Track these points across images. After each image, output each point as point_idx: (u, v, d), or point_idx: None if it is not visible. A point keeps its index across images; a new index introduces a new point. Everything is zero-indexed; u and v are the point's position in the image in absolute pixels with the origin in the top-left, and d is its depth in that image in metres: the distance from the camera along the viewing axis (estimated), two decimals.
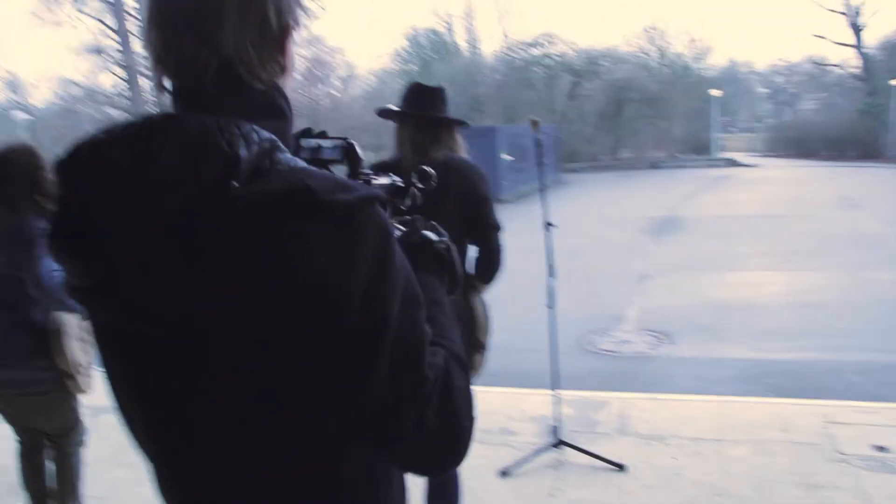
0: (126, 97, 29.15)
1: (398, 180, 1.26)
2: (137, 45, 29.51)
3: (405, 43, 47.76)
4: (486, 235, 2.56)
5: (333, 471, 0.92)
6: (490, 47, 47.67)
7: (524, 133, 22.75)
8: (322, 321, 0.81)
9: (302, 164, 0.87)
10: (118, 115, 30.15)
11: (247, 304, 0.81)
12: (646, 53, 39.02)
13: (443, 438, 0.89)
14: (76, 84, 29.86)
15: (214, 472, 0.92)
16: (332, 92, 38.61)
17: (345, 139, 1.14)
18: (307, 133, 1.11)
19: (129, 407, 0.95)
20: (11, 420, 2.85)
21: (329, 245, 0.80)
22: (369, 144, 37.30)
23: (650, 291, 8.48)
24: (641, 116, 35.47)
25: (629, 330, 6.88)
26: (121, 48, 28.75)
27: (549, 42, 37.59)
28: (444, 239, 1.15)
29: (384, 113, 2.59)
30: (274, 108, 0.92)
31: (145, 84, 29.53)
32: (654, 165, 32.02)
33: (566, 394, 4.14)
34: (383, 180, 1.23)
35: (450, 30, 46.41)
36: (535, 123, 3.82)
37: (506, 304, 7.41)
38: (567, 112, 36.30)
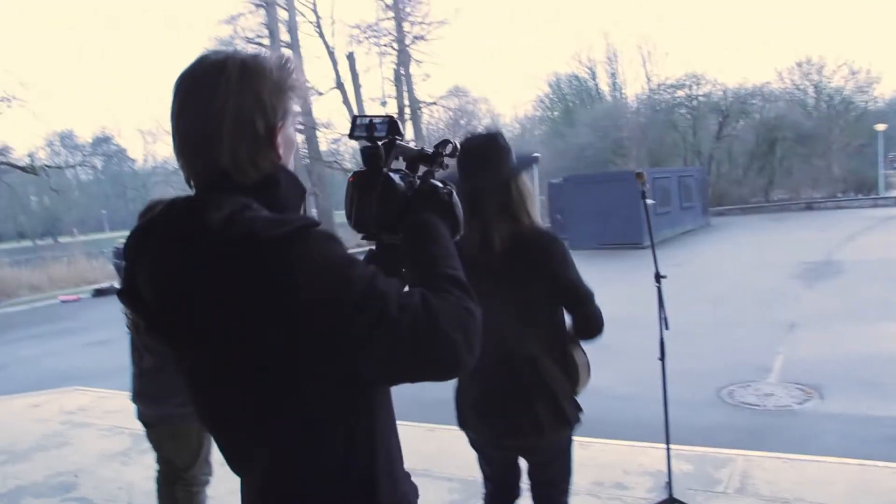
0: None
1: (426, 148, 1.44)
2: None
3: (547, 89, 48.10)
4: (577, 307, 2.31)
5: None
6: (633, 90, 46.95)
7: (668, 176, 22.25)
8: (292, 321, 1.07)
9: (264, 213, 1.13)
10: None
11: (229, 315, 1.09)
12: (800, 89, 37.03)
13: (432, 348, 1.10)
14: None
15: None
16: None
17: (389, 116, 1.35)
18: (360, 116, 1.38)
19: (196, 401, 1.27)
20: (156, 449, 3.18)
21: (276, 266, 1.06)
22: None
23: (800, 341, 7.94)
24: (796, 155, 33.60)
25: (774, 382, 6.49)
26: None
27: (695, 82, 36.64)
28: (450, 188, 1.36)
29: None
30: (264, 184, 1.20)
31: (300, 138, 31.56)
32: (811, 206, 30.03)
33: (687, 449, 3.97)
34: (412, 145, 1.42)
35: (592, 74, 46.29)
36: (639, 176, 3.73)
37: (635, 352, 7.32)
38: (714, 153, 35.09)
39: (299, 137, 31.30)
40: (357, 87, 33.55)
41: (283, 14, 30.77)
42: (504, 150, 2.24)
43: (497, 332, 2.03)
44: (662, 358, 3.76)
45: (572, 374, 2.36)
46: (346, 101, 33.45)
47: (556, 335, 2.33)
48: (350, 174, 1.34)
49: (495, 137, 2.26)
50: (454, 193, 1.36)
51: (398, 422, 1.32)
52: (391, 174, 1.35)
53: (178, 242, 1.14)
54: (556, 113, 47.43)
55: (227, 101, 1.16)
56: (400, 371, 1.13)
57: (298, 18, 31.65)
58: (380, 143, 1.35)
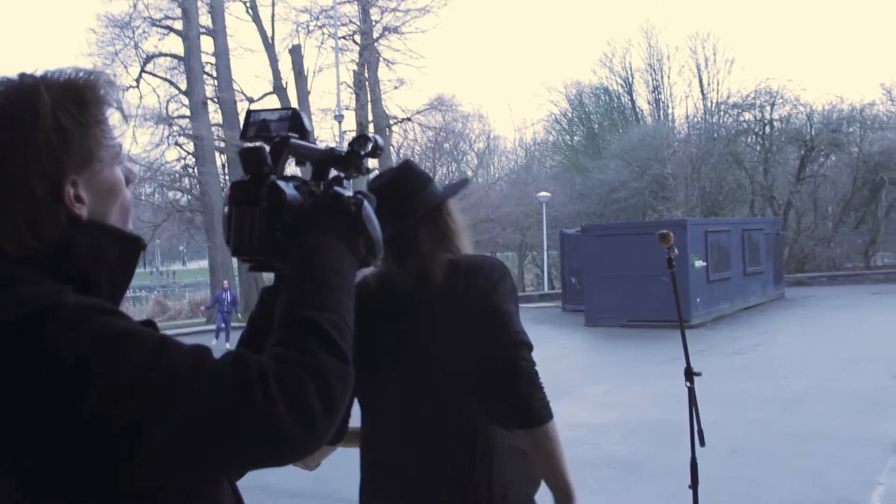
0: (193, 176, 31.29)
1: (339, 148, 1.56)
2: (212, 112, 31.94)
3: (565, 105, 48.89)
4: (514, 352, 2.38)
5: None
6: (683, 109, 47.86)
7: (728, 229, 22.41)
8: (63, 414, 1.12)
9: (27, 288, 1.20)
10: (181, 199, 32.36)
11: None
12: None
13: (241, 427, 1.17)
14: (133, 159, 32.38)
15: None
16: (467, 171, 39.77)
17: (290, 109, 1.47)
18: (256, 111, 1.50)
19: None
20: None
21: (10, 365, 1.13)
22: (511, 243, 38.02)
23: None
24: None
25: None
26: (190, 116, 31.13)
27: (769, 102, 37.35)
28: (362, 197, 1.45)
29: None
30: (54, 255, 1.24)
31: (219, 160, 31.73)
32: None
33: None
34: (321, 145, 1.55)
35: (628, 87, 47.13)
36: (664, 238, 3.79)
37: (670, 473, 7.17)
38: (794, 199, 35.62)
39: (218, 159, 31.38)
40: (303, 92, 33.85)
41: None
42: (422, 176, 2.53)
43: (434, 392, 2.33)
44: (694, 486, 3.82)
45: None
46: None
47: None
48: (227, 186, 1.30)
49: (407, 165, 2.55)
50: (366, 205, 1.45)
51: None
52: (280, 182, 1.41)
53: None
54: (576, 138, 48.21)
55: None
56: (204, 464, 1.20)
57: None
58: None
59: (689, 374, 3.78)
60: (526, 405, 2.29)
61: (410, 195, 2.45)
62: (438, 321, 2.37)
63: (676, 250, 3.87)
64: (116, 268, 1.31)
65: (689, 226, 19.90)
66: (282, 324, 1.30)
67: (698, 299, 18.98)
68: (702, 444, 3.79)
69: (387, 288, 2.40)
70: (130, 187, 1.39)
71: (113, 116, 1.33)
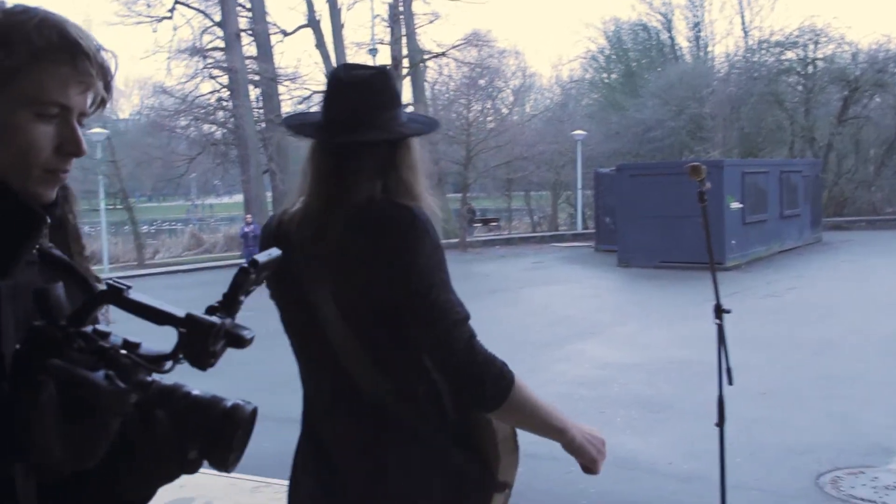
0: (227, 109, 31.27)
1: (203, 317, 1.14)
2: (246, 45, 31.79)
3: (603, 42, 48.25)
4: (443, 333, 2.00)
5: None
6: (724, 48, 47.04)
7: (766, 171, 22.12)
8: None
9: None
10: (216, 132, 32.39)
11: None
12: None
13: None
14: (168, 92, 32.43)
15: None
16: (501, 109, 39.46)
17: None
18: None
19: None
20: None
21: None
22: (545, 181, 37.81)
23: None
24: None
25: None
26: (224, 48, 31.00)
27: (812, 40, 36.59)
28: (198, 397, 1.15)
29: (294, 128, 2.25)
30: None
31: (253, 93, 31.66)
32: None
33: None
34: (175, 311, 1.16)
35: (667, 24, 46.39)
36: (695, 171, 3.70)
37: (699, 413, 7.17)
38: (835, 142, 35.06)
39: (253, 92, 31.32)
40: (337, 26, 33.62)
41: None
42: (394, 94, 2.17)
43: (334, 360, 2.03)
44: (721, 423, 3.80)
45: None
46: (320, 45, 33.58)
47: (417, 373, 2.09)
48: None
49: (385, 74, 2.18)
50: (198, 401, 1.16)
51: None
52: (60, 367, 1.09)
53: None
54: (613, 76, 47.66)
55: None
56: None
57: None
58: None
59: (719, 311, 3.72)
60: (475, 394, 2.00)
61: (374, 109, 2.10)
62: (338, 288, 2.04)
63: (709, 184, 3.78)
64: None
65: (725, 166, 19.68)
66: None
67: (733, 241, 18.81)
68: (730, 382, 3.75)
69: (285, 231, 2.10)
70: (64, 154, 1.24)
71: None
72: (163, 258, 31.70)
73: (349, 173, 2.08)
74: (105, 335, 1.12)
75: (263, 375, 8.47)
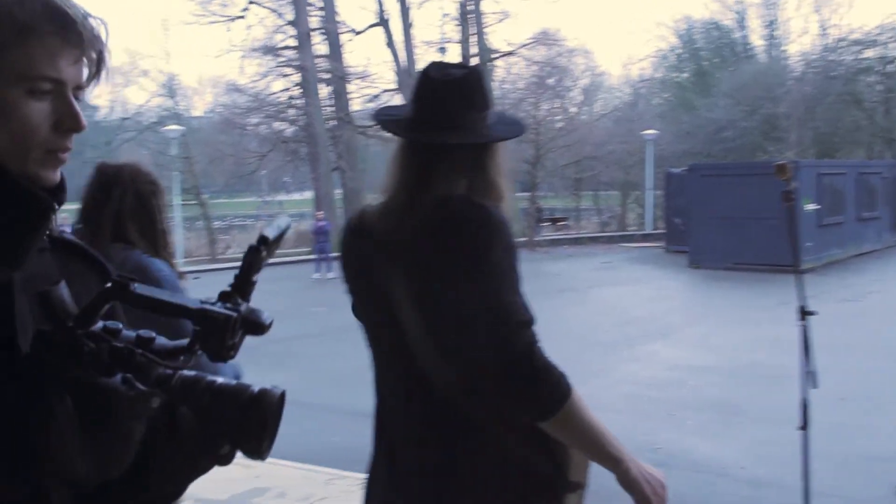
0: (298, 107, 31.61)
1: (216, 309, 1.09)
2: (317, 43, 32.10)
3: (674, 41, 47.70)
4: (504, 334, 1.96)
5: None
6: (799, 46, 46.11)
7: (844, 172, 21.71)
8: None
9: None
10: (286, 130, 32.76)
11: None
12: None
13: None
14: (240, 90, 32.90)
15: None
16: (570, 108, 39.31)
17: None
18: None
19: None
20: None
21: None
22: (614, 181, 37.57)
23: None
24: None
25: None
26: (296, 47, 31.34)
27: (893, 38, 35.86)
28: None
29: (384, 125, 2.26)
30: None
31: (323, 91, 31.96)
32: None
33: None
34: (191, 303, 1.10)
35: (740, 22, 45.67)
36: (781, 169, 3.62)
37: (775, 417, 7.04)
38: None
39: (323, 91, 31.58)
40: (407, 25, 33.74)
41: None
42: (486, 97, 2.14)
43: (408, 354, 2.01)
44: (805, 426, 3.74)
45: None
46: (390, 44, 33.69)
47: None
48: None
49: (477, 74, 2.16)
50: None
51: None
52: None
53: None
54: (684, 75, 47.06)
55: None
56: None
57: None
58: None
59: (803, 313, 3.61)
60: (528, 400, 1.95)
61: (465, 110, 2.10)
62: (413, 284, 2.03)
63: (794, 183, 3.68)
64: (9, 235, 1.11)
65: (801, 167, 19.25)
66: None
67: (809, 243, 18.43)
68: (814, 385, 3.65)
69: (366, 226, 2.13)
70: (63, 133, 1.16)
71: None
72: (234, 253, 32.13)
73: (435, 172, 2.07)
74: (116, 332, 1.06)
75: (332, 369, 8.49)
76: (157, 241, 2.95)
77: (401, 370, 2.08)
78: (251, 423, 1.08)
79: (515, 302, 1.96)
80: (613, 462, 1.96)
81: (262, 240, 1.13)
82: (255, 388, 1.10)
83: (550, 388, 1.92)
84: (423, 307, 2.01)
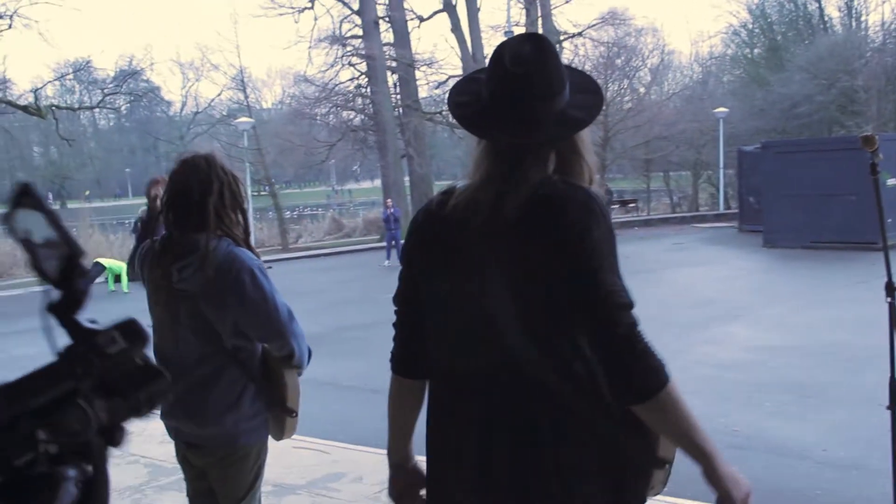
0: (366, 96, 31.75)
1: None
2: (384, 31, 32.16)
3: (746, 16, 46.77)
4: (605, 315, 1.97)
5: None
6: (878, 16, 44.82)
7: None
8: None
9: None
10: (355, 119, 32.93)
11: None
12: None
13: None
14: (309, 80, 33.16)
15: None
16: (639, 88, 38.87)
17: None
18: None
19: None
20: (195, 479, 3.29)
21: None
22: (685, 161, 37.00)
23: None
24: None
25: None
26: (363, 36, 31.45)
27: None
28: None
29: (466, 122, 2.20)
30: None
31: (390, 79, 32.03)
32: None
33: None
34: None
35: None
36: (868, 141, 3.57)
37: (858, 397, 6.96)
38: None
39: (390, 79, 31.67)
40: (473, 9, 33.65)
41: None
42: (561, 76, 2.08)
43: (497, 336, 2.01)
44: (893, 406, 3.56)
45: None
46: (456, 29, 33.59)
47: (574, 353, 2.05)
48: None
49: (550, 52, 2.08)
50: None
51: None
52: None
53: None
54: (756, 51, 46.14)
55: None
56: None
57: None
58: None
59: (891, 289, 3.49)
60: (626, 381, 1.96)
61: (546, 100, 2.05)
62: (510, 266, 2.03)
63: (881, 155, 3.58)
64: None
65: (882, 141, 18.65)
66: None
67: (889, 220, 17.93)
68: None
69: (448, 212, 2.08)
70: None
71: None
72: (305, 242, 32.54)
73: (524, 161, 2.05)
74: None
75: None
76: (245, 231, 3.11)
77: (485, 354, 2.06)
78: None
79: (616, 283, 1.96)
80: (704, 456, 1.96)
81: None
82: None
83: (648, 371, 1.93)
84: (520, 289, 2.01)
